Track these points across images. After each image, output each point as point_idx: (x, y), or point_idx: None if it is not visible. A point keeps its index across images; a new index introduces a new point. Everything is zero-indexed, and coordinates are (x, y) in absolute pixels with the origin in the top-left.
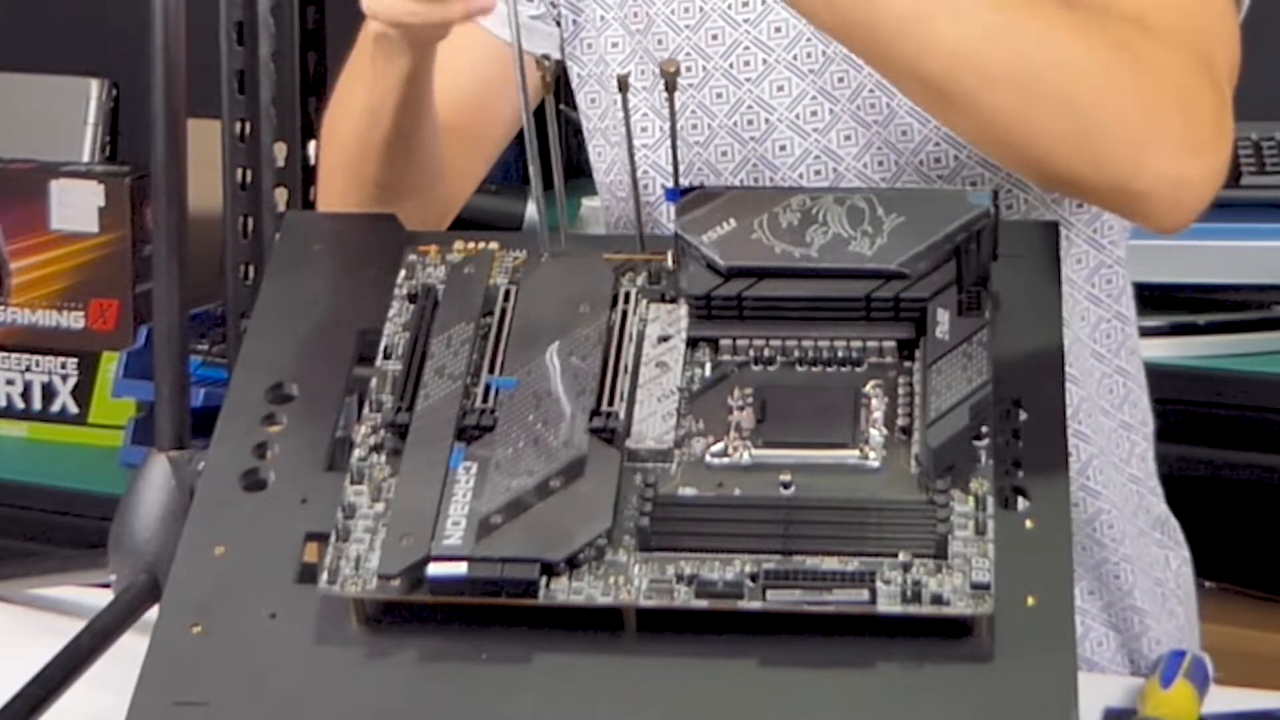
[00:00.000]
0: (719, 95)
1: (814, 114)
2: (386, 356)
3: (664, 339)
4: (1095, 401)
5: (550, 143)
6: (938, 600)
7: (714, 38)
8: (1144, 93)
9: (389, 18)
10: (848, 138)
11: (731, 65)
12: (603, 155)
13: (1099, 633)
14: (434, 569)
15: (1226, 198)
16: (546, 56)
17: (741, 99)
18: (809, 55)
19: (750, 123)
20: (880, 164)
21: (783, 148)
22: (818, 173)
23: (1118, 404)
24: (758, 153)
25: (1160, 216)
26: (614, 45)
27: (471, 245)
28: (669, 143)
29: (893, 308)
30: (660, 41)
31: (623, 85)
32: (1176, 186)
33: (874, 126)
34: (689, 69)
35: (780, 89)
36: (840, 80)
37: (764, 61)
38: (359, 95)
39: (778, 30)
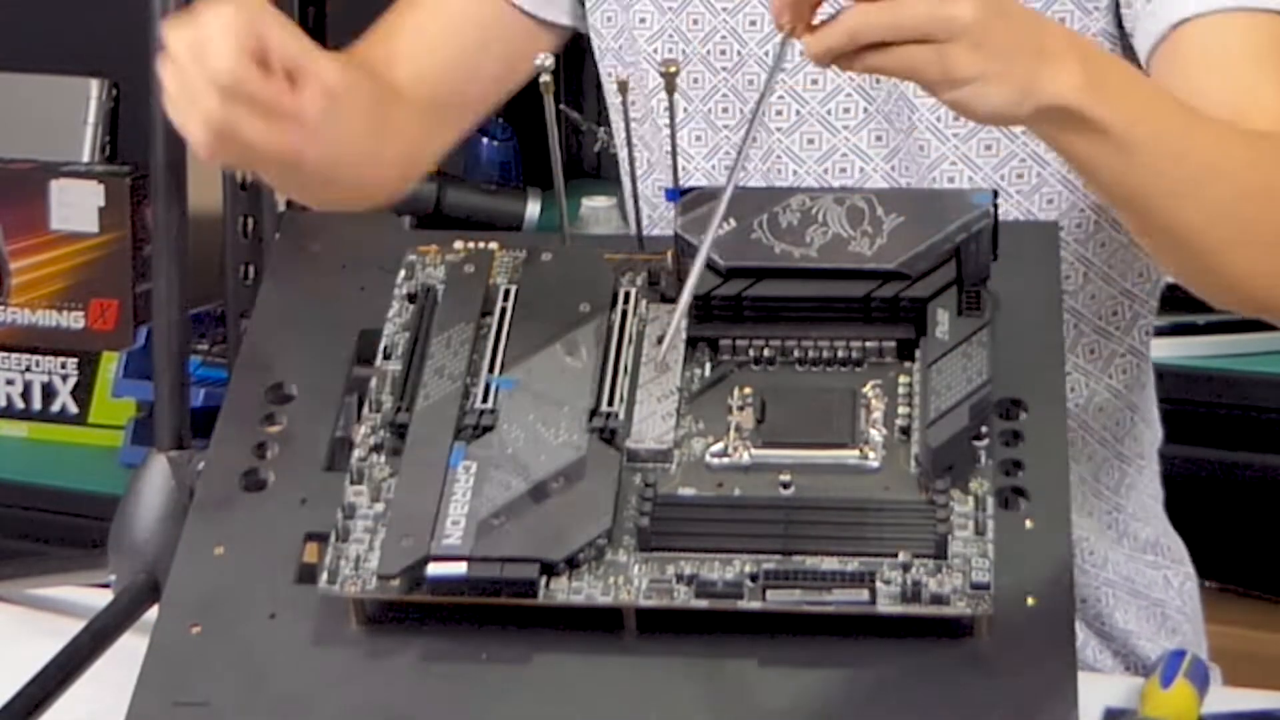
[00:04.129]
0: (750, 82)
1: (846, 110)
2: (386, 356)
3: (664, 339)
4: (1095, 431)
5: (550, 143)
6: (938, 600)
7: (752, 23)
8: None
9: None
10: (879, 138)
11: (767, 53)
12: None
13: (1096, 642)
14: (434, 569)
15: None
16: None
17: (772, 88)
18: None
19: (780, 113)
20: (908, 168)
21: (810, 141)
22: (843, 170)
23: (1120, 435)
24: (784, 144)
25: None
26: (641, 20)
27: (471, 245)
28: (692, 128)
29: (893, 308)
30: (695, 21)
31: (623, 89)
32: None
33: (899, 135)
34: (723, 52)
35: (814, 82)
36: (877, 81)
37: (800, 53)
38: None
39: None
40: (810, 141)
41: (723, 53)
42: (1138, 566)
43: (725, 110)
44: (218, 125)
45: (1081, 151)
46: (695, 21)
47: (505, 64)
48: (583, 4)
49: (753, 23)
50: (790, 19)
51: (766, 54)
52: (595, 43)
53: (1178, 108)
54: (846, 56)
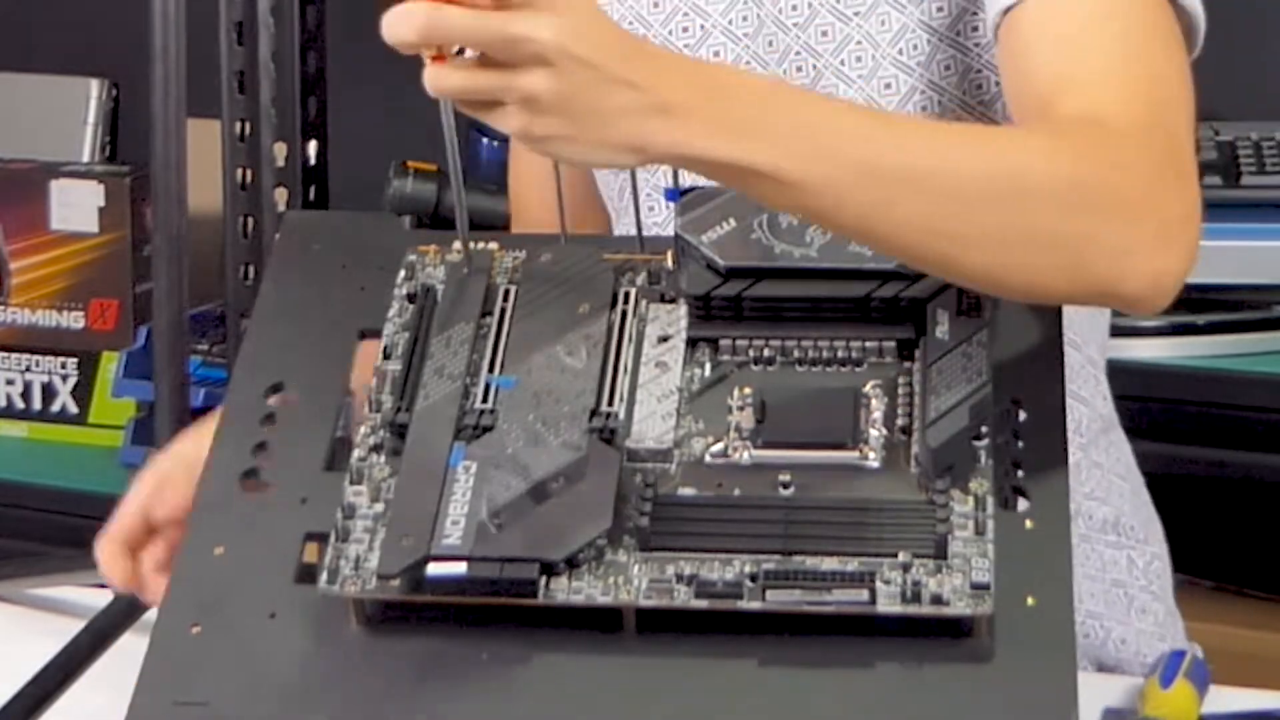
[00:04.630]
0: (716, 53)
1: None
2: (386, 356)
3: (664, 339)
4: None
5: None
6: (938, 600)
7: (655, 5)
8: (1120, 203)
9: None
10: None
11: (670, 33)
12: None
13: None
14: (433, 569)
15: (1226, 198)
16: None
17: None
18: (744, 19)
19: None
20: None
21: None
22: None
23: None
24: None
25: (1145, 308)
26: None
27: (471, 245)
28: None
29: (893, 308)
30: (656, 4)
31: None
32: (1159, 279)
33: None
34: (685, 29)
35: (716, 54)
36: (770, 45)
37: (701, 28)
38: None
39: None
40: None
41: (685, 30)
42: (1093, 547)
43: None
44: None
45: (739, 186)
46: (656, 4)
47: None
48: None
49: (655, 5)
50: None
51: (730, 22)
52: None
53: (864, 128)
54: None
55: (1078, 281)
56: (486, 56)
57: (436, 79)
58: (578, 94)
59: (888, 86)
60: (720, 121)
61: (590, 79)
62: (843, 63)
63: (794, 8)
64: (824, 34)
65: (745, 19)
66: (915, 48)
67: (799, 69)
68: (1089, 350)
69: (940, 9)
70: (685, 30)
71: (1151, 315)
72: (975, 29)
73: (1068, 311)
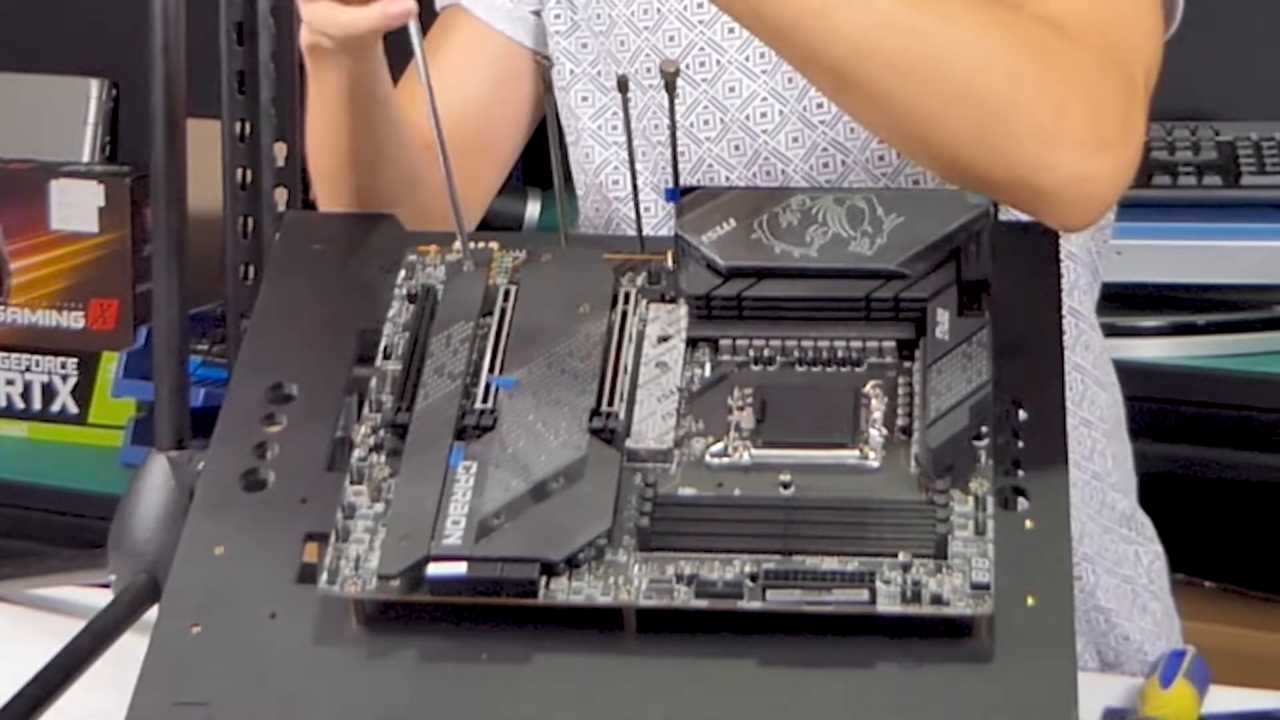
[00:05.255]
0: (731, 89)
1: (764, 115)
2: (386, 356)
3: (664, 339)
4: None
5: (550, 143)
6: (937, 600)
7: (670, 39)
8: (1051, 89)
9: (317, 28)
10: (795, 139)
11: (688, 67)
12: (591, 156)
13: (1083, 637)
14: (434, 569)
15: (1226, 198)
16: (545, 57)
17: (698, 100)
18: (762, 56)
19: (706, 123)
20: (826, 165)
21: (736, 148)
22: (768, 174)
23: (1076, 400)
24: (713, 153)
25: (1064, 214)
26: (621, 44)
27: (471, 245)
28: (656, 144)
29: (893, 308)
30: (622, 43)
31: (623, 86)
32: (1081, 184)
33: (820, 127)
34: (703, 64)
35: (732, 90)
36: (790, 81)
37: (718, 63)
38: (314, 111)
39: (731, 32)
40: (736, 148)
41: (702, 64)
42: (1112, 539)
43: (706, 123)
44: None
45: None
46: (671, 38)
47: (519, 103)
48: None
49: (731, 30)
50: None
51: (746, 59)
52: (566, 67)
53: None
54: None
55: (996, 153)
56: None
57: None
58: None
59: None
60: None
61: None
62: None
63: None
64: None
65: None
66: None
67: None
68: (1098, 336)
69: None
70: None
71: (1077, 230)
72: None
73: (1090, 294)
